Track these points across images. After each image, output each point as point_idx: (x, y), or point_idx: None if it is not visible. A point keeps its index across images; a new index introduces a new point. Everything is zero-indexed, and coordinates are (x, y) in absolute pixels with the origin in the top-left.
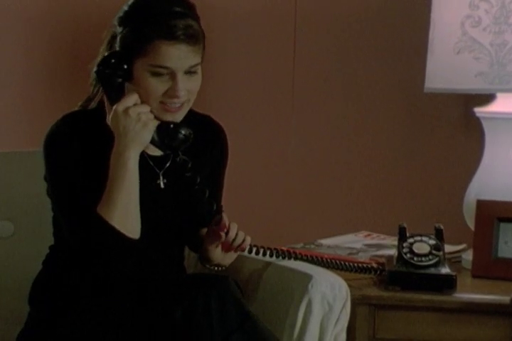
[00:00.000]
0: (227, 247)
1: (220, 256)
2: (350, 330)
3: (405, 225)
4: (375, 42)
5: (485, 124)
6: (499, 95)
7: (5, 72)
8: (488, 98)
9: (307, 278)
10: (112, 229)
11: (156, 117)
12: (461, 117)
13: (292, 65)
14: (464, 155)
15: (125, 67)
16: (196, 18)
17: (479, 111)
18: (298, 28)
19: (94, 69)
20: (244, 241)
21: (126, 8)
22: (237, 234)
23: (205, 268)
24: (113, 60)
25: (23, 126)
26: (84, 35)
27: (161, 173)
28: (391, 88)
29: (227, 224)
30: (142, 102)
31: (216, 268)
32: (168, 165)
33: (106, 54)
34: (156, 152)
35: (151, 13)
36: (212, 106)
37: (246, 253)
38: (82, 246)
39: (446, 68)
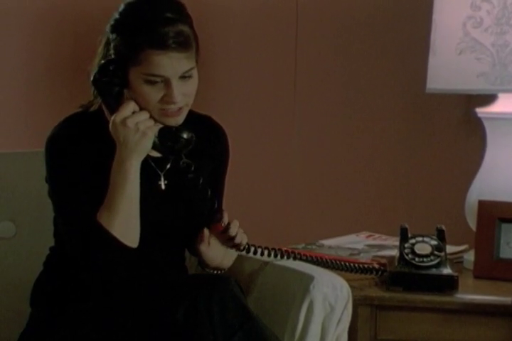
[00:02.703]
0: (227, 242)
1: (218, 258)
2: (352, 331)
3: (407, 226)
4: (376, 42)
5: (486, 125)
6: (501, 96)
7: (7, 73)
8: (489, 98)
9: (309, 278)
10: (112, 237)
11: (157, 122)
12: (462, 118)
13: (294, 64)
14: (466, 155)
15: (121, 74)
16: (187, 20)
17: (481, 111)
18: (300, 28)
19: (91, 78)
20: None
21: (116, 15)
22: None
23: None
24: (108, 69)
25: (26, 126)
26: (87, 35)
27: (162, 174)
28: (393, 88)
29: (226, 220)
30: (141, 109)
31: (216, 271)
32: (169, 166)
33: (102, 62)
34: (156, 153)
35: (141, 21)
36: (213, 106)
37: (245, 252)
38: (79, 251)
39: (448, 69)
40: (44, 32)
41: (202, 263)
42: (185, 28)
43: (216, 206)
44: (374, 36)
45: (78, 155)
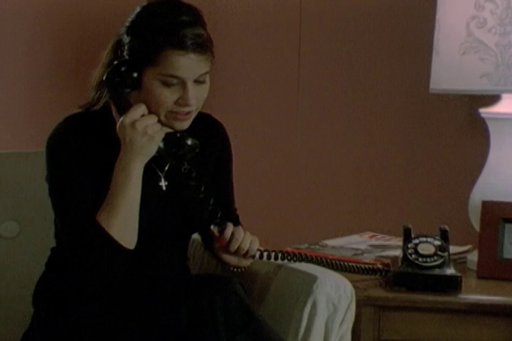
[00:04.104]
0: (233, 254)
1: (235, 261)
2: (355, 331)
3: (410, 226)
4: (380, 42)
5: (490, 125)
6: (504, 96)
7: (10, 74)
8: (493, 99)
9: (312, 279)
10: (110, 238)
11: (164, 125)
12: (466, 118)
13: (297, 65)
14: (469, 156)
15: (135, 76)
16: (204, 26)
17: (484, 112)
18: (303, 27)
19: (104, 77)
20: (249, 249)
21: (133, 17)
22: (240, 244)
23: (216, 269)
24: (123, 69)
25: (29, 127)
26: (90, 36)
27: (162, 175)
28: (396, 89)
29: (228, 235)
30: (150, 112)
31: (235, 269)
32: (167, 167)
33: (115, 62)
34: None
35: (162, 22)
36: (217, 106)
37: (255, 258)
38: (76, 250)
39: (451, 69)
40: (47, 33)
41: (221, 262)
42: (203, 32)
43: (219, 215)
44: (377, 36)
45: (79, 154)
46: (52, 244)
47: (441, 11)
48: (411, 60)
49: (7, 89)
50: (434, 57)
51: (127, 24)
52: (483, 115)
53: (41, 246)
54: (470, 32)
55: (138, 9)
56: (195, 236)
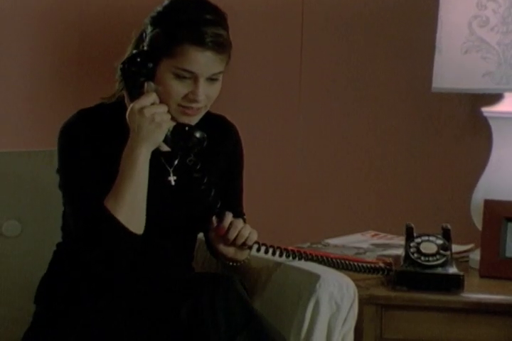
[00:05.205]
0: (230, 244)
1: (232, 252)
2: (358, 330)
3: (412, 225)
4: (382, 41)
5: (492, 124)
6: (507, 95)
7: (12, 73)
8: (495, 98)
9: (315, 277)
10: (117, 222)
11: (172, 118)
12: (468, 117)
13: (299, 64)
14: (472, 154)
15: (150, 66)
16: (226, 28)
17: (487, 110)
18: (305, 26)
19: (120, 65)
20: (247, 238)
21: (160, 8)
22: (239, 232)
23: (217, 268)
24: (139, 59)
25: (29, 126)
26: (90, 36)
27: (171, 170)
28: (398, 88)
29: (227, 223)
30: (161, 102)
31: (232, 263)
32: (176, 162)
33: (134, 51)
34: (167, 148)
35: (185, 17)
36: (217, 105)
37: (254, 251)
38: (84, 237)
39: (453, 68)
40: (47, 34)
41: (218, 255)
42: (224, 33)
43: (218, 207)
44: (379, 35)
45: (89, 142)
46: (54, 242)
47: (443, 9)
48: (413, 58)
49: (7, 89)
50: (437, 55)
51: (153, 14)
52: (485, 114)
53: (43, 246)
54: (472, 31)
55: (166, 2)
56: (199, 235)
